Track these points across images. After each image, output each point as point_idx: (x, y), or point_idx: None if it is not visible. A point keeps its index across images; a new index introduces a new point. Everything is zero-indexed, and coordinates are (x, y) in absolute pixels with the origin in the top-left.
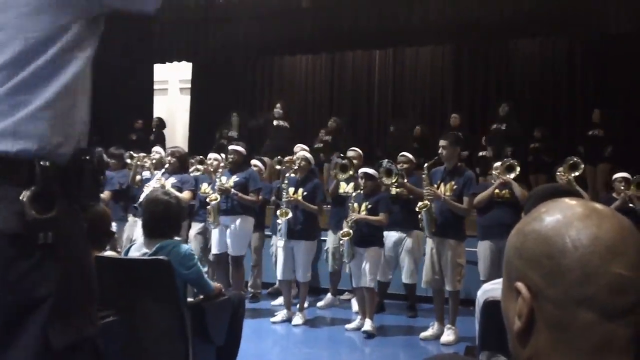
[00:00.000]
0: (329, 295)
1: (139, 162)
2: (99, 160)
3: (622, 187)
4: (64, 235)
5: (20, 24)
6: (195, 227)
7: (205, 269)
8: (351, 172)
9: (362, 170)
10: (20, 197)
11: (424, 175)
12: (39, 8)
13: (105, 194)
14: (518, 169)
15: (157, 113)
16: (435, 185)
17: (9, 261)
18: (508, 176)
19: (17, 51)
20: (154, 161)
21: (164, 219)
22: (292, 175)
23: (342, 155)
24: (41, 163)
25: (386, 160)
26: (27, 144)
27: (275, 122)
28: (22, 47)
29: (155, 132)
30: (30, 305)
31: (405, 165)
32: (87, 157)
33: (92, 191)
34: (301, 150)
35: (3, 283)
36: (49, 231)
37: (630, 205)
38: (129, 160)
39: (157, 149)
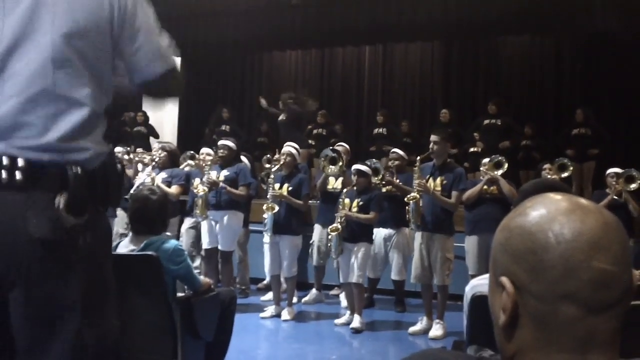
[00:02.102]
0: (313, 290)
1: (137, 159)
2: (121, 166)
3: (614, 183)
4: (93, 240)
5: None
6: (188, 221)
7: (197, 264)
8: (340, 165)
9: (355, 166)
10: (56, 204)
11: (415, 168)
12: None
13: None
14: (506, 165)
15: (145, 108)
16: (424, 181)
17: (40, 268)
18: (495, 173)
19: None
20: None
21: (150, 215)
22: (278, 170)
23: (331, 148)
24: (73, 169)
25: (373, 159)
26: (60, 153)
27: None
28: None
29: (144, 126)
30: (64, 306)
31: (396, 162)
32: (112, 162)
33: (118, 194)
34: (287, 146)
35: (36, 286)
36: (87, 234)
37: (615, 197)
38: (125, 157)
39: (205, 150)
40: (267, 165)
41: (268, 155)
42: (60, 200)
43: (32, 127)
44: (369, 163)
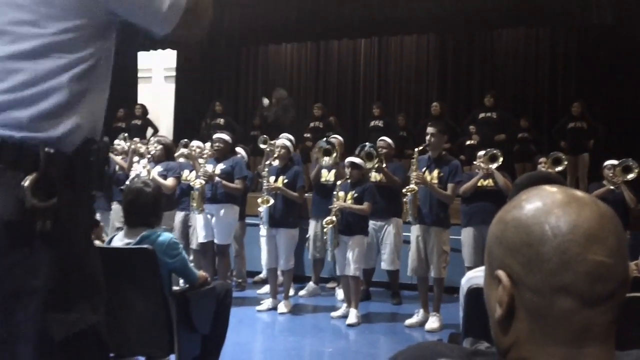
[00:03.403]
0: (310, 283)
1: (133, 147)
2: (104, 150)
3: (611, 175)
4: (64, 224)
5: (35, 21)
6: (178, 215)
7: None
8: (334, 156)
9: (348, 159)
10: (22, 183)
11: (412, 160)
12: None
13: None
14: (501, 159)
15: (141, 101)
16: (421, 172)
17: (2, 248)
18: (490, 166)
19: (32, 46)
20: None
21: (144, 207)
22: (273, 163)
23: (326, 140)
24: (46, 150)
25: (368, 144)
26: (33, 131)
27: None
28: (37, 43)
29: (141, 119)
30: (25, 294)
31: (384, 150)
32: (95, 147)
33: (98, 181)
34: (281, 138)
35: None
36: (48, 219)
37: (612, 187)
38: (123, 143)
39: (196, 142)
40: (263, 146)
41: (265, 136)
42: (28, 180)
43: (3, 105)
44: (365, 148)
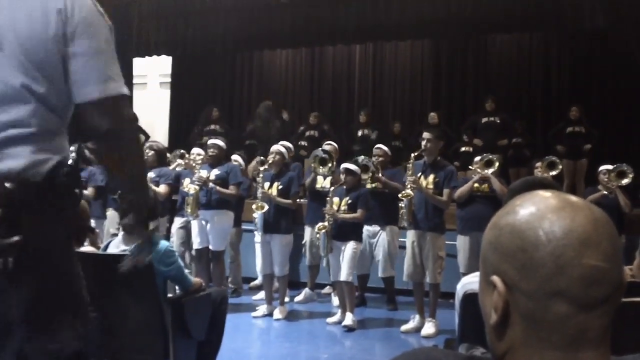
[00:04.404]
0: (306, 289)
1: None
2: (75, 171)
3: (606, 180)
4: (39, 251)
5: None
6: (178, 221)
7: (187, 261)
8: (330, 166)
9: (343, 165)
10: None
11: (408, 165)
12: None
13: (89, 190)
14: (497, 164)
15: (136, 107)
16: (416, 178)
17: None
18: (486, 171)
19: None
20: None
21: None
22: (267, 169)
23: (322, 149)
24: (7, 185)
25: (362, 156)
26: None
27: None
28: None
29: None
30: (3, 328)
31: (380, 158)
32: (64, 171)
33: (71, 199)
34: (275, 145)
35: None
36: (9, 257)
37: (605, 193)
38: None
39: (196, 150)
40: (262, 168)
41: (261, 158)
42: None
43: None
44: (359, 160)
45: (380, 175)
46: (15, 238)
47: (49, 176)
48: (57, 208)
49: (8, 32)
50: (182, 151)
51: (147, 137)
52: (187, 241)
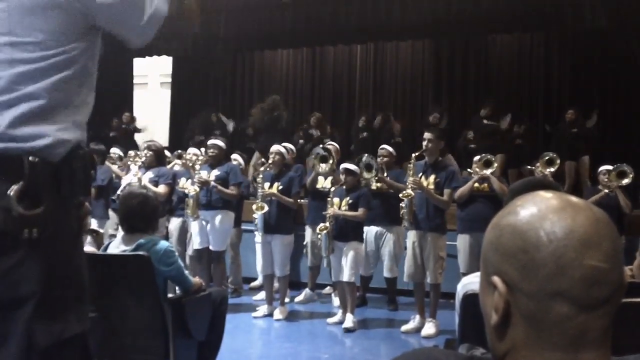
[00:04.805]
0: (306, 290)
1: (129, 163)
2: (90, 156)
3: (606, 179)
4: (52, 232)
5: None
6: (175, 222)
7: (186, 264)
8: (331, 163)
9: (343, 165)
10: (7, 192)
11: (410, 165)
12: (32, 9)
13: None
14: (495, 164)
15: (137, 108)
16: (418, 178)
17: None
18: (485, 172)
19: (9, 56)
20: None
21: (141, 214)
22: (267, 169)
23: (322, 147)
24: (30, 159)
25: (366, 155)
26: (15, 141)
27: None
28: (15, 52)
29: (131, 128)
30: (13, 303)
31: (385, 159)
32: (81, 153)
33: (84, 187)
34: (275, 145)
35: None
36: (35, 227)
37: (605, 191)
38: (119, 163)
39: (192, 150)
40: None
41: (262, 160)
42: (13, 189)
43: None
44: (363, 159)
45: (385, 175)
46: (40, 209)
47: (66, 158)
48: (70, 191)
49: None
50: (179, 151)
51: (137, 130)
52: (183, 241)
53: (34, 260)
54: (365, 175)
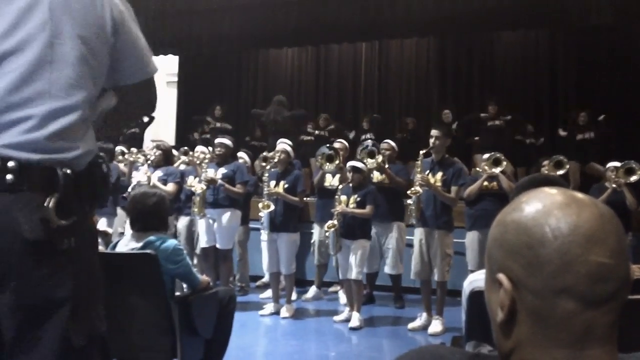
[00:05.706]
0: (313, 287)
1: (132, 159)
2: (107, 165)
3: (614, 176)
4: (79, 240)
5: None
6: (182, 220)
7: (193, 263)
8: (337, 162)
9: (350, 163)
10: (45, 204)
11: (417, 162)
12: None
13: None
14: (504, 163)
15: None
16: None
17: (30, 266)
18: (493, 170)
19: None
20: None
21: (151, 213)
22: (273, 168)
23: (329, 146)
24: (63, 170)
25: (370, 141)
26: (50, 152)
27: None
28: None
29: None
30: (51, 307)
31: (387, 152)
32: (100, 162)
33: (103, 195)
34: (281, 143)
35: (25, 287)
36: (72, 236)
37: (613, 186)
38: (120, 157)
39: (200, 148)
40: (263, 164)
41: (263, 154)
42: (51, 201)
43: (22, 125)
44: (366, 144)
45: (387, 167)
46: (74, 218)
47: (90, 166)
48: (93, 199)
49: (64, 16)
50: (185, 148)
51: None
52: (191, 240)
53: (68, 266)
54: (368, 162)
